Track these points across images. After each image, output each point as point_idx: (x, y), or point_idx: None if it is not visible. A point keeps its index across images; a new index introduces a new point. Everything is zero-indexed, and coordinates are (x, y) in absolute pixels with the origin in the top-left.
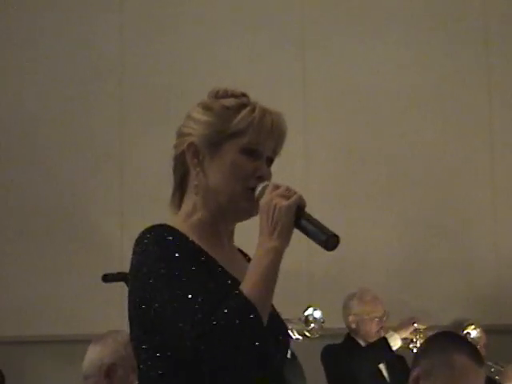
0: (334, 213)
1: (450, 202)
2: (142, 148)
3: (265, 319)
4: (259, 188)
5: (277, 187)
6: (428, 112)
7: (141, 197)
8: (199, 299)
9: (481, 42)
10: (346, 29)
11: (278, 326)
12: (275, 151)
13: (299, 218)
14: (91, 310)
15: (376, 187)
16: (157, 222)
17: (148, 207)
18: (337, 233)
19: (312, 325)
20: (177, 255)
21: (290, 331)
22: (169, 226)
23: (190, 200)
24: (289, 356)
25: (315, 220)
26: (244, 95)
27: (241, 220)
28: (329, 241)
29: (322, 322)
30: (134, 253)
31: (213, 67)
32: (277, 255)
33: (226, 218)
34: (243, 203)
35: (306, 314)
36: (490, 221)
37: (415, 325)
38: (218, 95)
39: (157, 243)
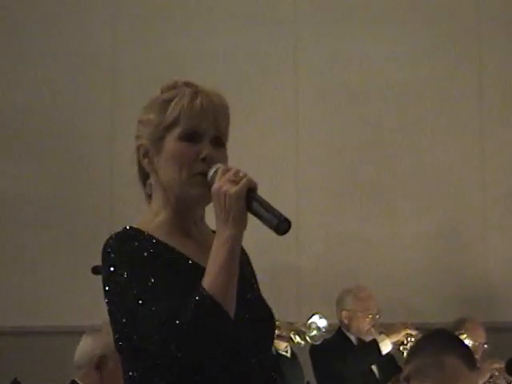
0: (325, 208)
1: (440, 202)
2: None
3: (232, 309)
4: (211, 173)
5: (226, 171)
6: (420, 107)
7: (131, 185)
8: (163, 302)
9: (473, 38)
10: (337, 24)
11: (257, 310)
12: (219, 129)
13: (250, 201)
14: (81, 302)
15: (367, 183)
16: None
17: (139, 198)
18: (329, 228)
19: (314, 332)
20: (141, 260)
21: (292, 334)
22: (134, 230)
23: (154, 200)
24: (289, 355)
25: (266, 203)
26: (187, 84)
27: (199, 207)
28: (280, 225)
29: (324, 332)
30: (102, 260)
31: (203, 58)
32: (234, 243)
33: (186, 208)
34: (193, 190)
35: (311, 321)
36: (481, 220)
37: (407, 330)
38: (162, 90)
39: (120, 249)
